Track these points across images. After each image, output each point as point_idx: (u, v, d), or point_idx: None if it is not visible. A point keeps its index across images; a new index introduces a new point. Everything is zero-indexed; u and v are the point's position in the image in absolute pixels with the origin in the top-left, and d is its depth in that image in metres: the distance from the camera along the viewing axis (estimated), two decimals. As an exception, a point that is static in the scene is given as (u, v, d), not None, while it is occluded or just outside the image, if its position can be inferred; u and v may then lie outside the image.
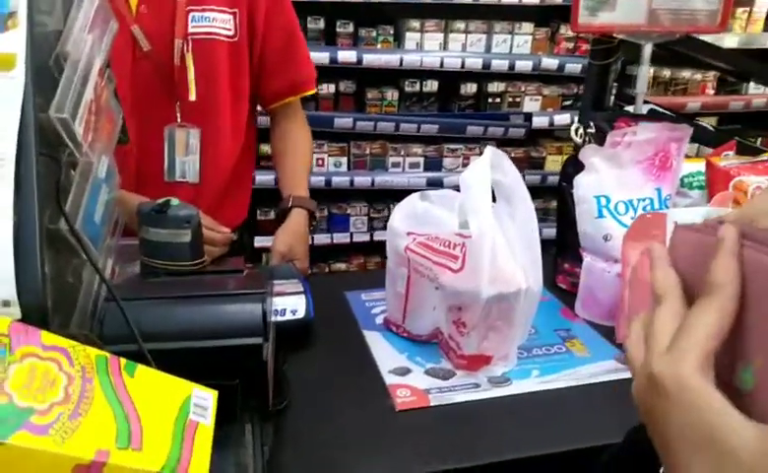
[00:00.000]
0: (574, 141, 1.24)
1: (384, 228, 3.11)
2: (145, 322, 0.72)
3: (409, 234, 1.07)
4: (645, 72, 1.34)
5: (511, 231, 1.01)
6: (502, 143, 3.10)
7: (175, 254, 1.02)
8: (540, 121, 3.09)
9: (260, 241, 3.03)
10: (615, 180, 1.17)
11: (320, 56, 2.78)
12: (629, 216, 1.15)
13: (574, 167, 1.23)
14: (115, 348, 0.64)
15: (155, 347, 0.70)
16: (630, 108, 1.42)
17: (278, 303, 1.10)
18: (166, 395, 0.63)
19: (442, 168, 3.12)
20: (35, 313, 0.62)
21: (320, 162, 3.00)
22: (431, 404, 0.95)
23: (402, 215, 1.10)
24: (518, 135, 3.08)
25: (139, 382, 0.61)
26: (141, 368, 0.63)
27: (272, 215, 3.01)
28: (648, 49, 1.35)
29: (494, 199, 1.04)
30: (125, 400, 0.59)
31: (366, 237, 3.19)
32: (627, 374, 1.02)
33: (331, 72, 2.93)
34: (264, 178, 2.90)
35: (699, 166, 1.26)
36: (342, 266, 3.23)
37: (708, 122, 3.54)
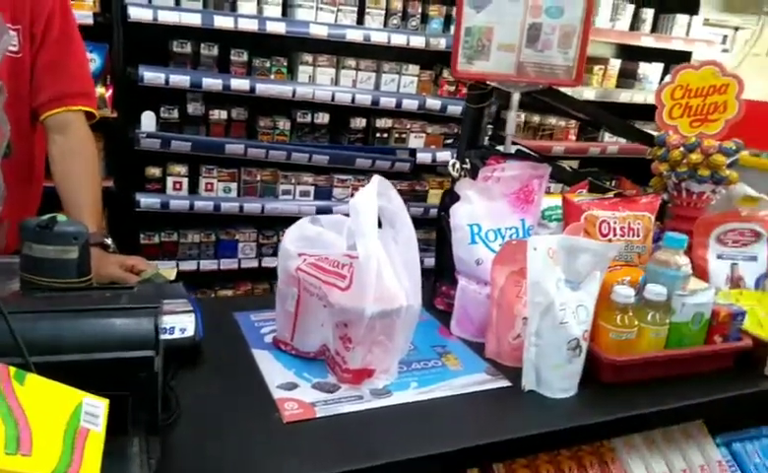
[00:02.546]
0: (451, 175, 1.36)
1: (274, 254, 3.14)
2: (34, 335, 0.73)
3: (300, 255, 1.13)
4: (513, 116, 1.51)
5: (394, 253, 1.10)
6: (388, 176, 3.17)
7: (61, 271, 1.01)
8: (423, 157, 3.28)
9: (143, 266, 2.93)
10: (486, 211, 1.30)
11: (213, 83, 2.79)
12: (498, 243, 1.29)
13: (451, 198, 1.35)
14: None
15: (43, 360, 0.71)
16: (501, 148, 1.58)
17: (167, 321, 1.11)
18: (57, 403, 0.64)
19: (332, 197, 3.21)
20: None
21: (209, 186, 2.98)
22: (317, 416, 1.00)
23: (293, 237, 1.16)
24: (403, 169, 3.25)
25: (29, 390, 0.62)
26: (31, 376, 0.64)
27: (156, 239, 2.93)
28: (516, 97, 1.52)
29: (380, 224, 1.13)
30: (14, 407, 0.60)
31: (255, 263, 3.19)
32: (495, 385, 1.15)
33: (223, 99, 2.94)
34: (149, 201, 2.83)
35: (557, 200, 1.44)
36: (228, 292, 3.20)
37: (570, 164, 3.93)
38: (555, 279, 1.10)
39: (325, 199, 3.18)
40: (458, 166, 1.35)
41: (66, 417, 0.63)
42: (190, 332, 1.12)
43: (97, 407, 0.67)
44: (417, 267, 1.12)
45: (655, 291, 1.19)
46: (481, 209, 1.30)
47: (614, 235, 1.34)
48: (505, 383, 1.16)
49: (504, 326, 1.21)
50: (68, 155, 1.47)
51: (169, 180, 2.89)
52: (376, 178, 1.08)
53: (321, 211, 3.13)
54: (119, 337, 0.79)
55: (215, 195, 3.01)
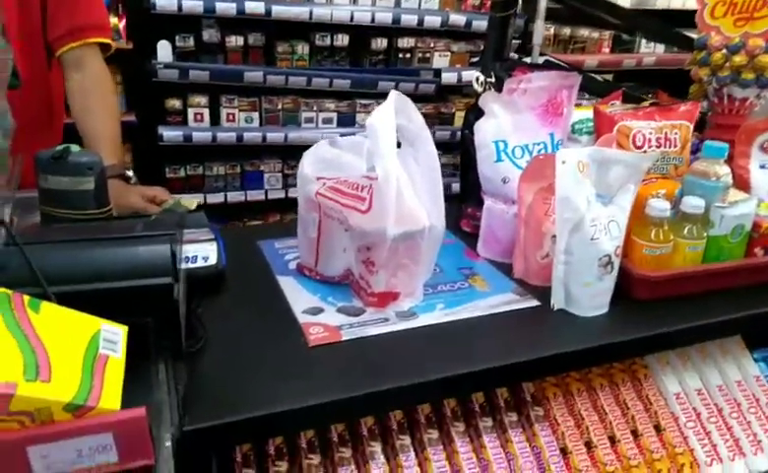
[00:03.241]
0: (475, 90, 1.29)
1: (298, 184, 3.11)
2: (50, 266, 0.72)
3: (318, 179, 1.10)
4: (540, 25, 1.42)
5: (415, 173, 1.06)
6: (413, 98, 3.13)
7: (78, 202, 1.00)
8: (448, 77, 3.17)
9: (170, 200, 2.94)
10: (512, 126, 1.24)
11: (227, 7, 2.71)
12: (525, 159, 1.23)
13: (475, 114, 1.29)
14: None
15: (61, 290, 0.70)
16: (528, 59, 1.49)
17: (189, 250, 1.10)
18: (74, 330, 0.63)
19: (355, 124, 3.14)
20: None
21: (231, 117, 2.94)
22: (343, 339, 0.99)
23: (311, 161, 1.12)
24: (428, 91, 3.15)
25: (45, 318, 0.62)
26: (46, 304, 0.63)
27: (181, 172, 2.94)
28: (543, 4, 1.42)
29: (400, 144, 1.08)
30: (30, 334, 0.59)
31: (282, 194, 3.18)
32: (524, 305, 1.12)
33: (238, 24, 2.85)
34: (171, 134, 2.82)
35: (588, 113, 1.36)
36: (257, 223, 3.21)
37: (604, 79, 3.77)
38: (586, 194, 1.05)
39: (348, 125, 3.12)
40: (482, 79, 1.28)
41: (84, 344, 0.62)
42: (213, 260, 1.11)
43: (116, 334, 0.67)
44: (440, 187, 1.08)
45: (692, 203, 1.13)
46: (507, 124, 1.24)
47: (649, 146, 1.26)
48: (534, 303, 1.13)
49: (532, 245, 1.17)
50: (85, 91, 1.45)
51: (190, 112, 2.86)
52: (393, 94, 1.02)
53: (345, 138, 3.08)
54: (136, 265, 0.78)
55: (237, 125, 2.97)
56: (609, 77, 3.91)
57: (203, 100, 2.87)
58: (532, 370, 1.04)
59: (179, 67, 2.73)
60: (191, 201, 1.33)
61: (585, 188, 1.05)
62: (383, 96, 3.33)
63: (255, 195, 3.12)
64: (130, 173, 1.38)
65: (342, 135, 3.25)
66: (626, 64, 3.72)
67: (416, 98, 3.22)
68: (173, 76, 2.73)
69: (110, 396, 0.60)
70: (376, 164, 1.00)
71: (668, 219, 1.11)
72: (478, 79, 1.29)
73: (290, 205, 3.24)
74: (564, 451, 1.06)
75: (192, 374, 0.89)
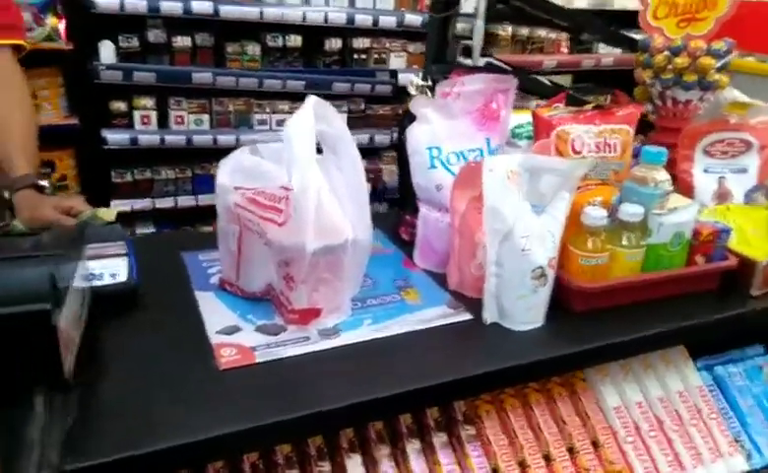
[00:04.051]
0: (409, 93, 1.24)
1: (252, 188, 3.02)
2: None
3: (236, 189, 1.03)
4: (480, 25, 1.37)
5: (338, 181, 1.00)
6: (370, 100, 3.10)
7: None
8: (405, 78, 3.10)
9: (116, 205, 2.84)
10: (447, 131, 1.18)
11: (173, 6, 2.62)
12: (460, 166, 1.18)
13: (410, 119, 1.23)
14: None
15: None
16: (469, 62, 1.45)
17: (96, 266, 1.02)
18: None
19: (310, 126, 3.06)
20: None
21: (179, 119, 2.85)
22: (257, 361, 0.93)
23: (229, 170, 1.05)
24: (385, 92, 3.09)
25: None
26: None
27: (128, 177, 2.83)
28: (482, 3, 1.38)
29: (321, 151, 1.02)
30: None
31: (234, 199, 3.08)
32: (456, 319, 1.07)
33: (186, 24, 2.76)
34: (116, 138, 2.71)
35: (528, 117, 1.32)
36: (209, 229, 3.11)
37: (563, 80, 3.76)
38: (515, 203, 1.00)
39: (303, 128, 3.03)
40: (418, 82, 1.23)
41: None
42: (122, 277, 1.03)
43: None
44: (365, 195, 1.03)
45: (629, 211, 1.09)
46: (441, 129, 1.18)
47: (588, 151, 1.22)
48: (467, 316, 1.08)
49: (466, 255, 1.12)
50: None
51: (137, 114, 2.76)
52: (311, 99, 0.96)
53: (300, 140, 3.00)
54: (7, 290, 0.70)
55: (186, 128, 2.88)
56: (568, 78, 3.91)
57: (149, 102, 2.77)
58: (463, 388, 0.99)
59: (123, 68, 2.62)
60: (110, 212, 1.25)
61: (514, 198, 1.00)
62: (339, 97, 3.27)
63: (206, 200, 3.02)
64: (45, 183, 1.29)
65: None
66: (585, 64, 3.71)
67: (373, 99, 3.18)
68: (117, 77, 2.62)
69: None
70: (292, 173, 0.93)
71: (604, 227, 1.07)
72: (412, 82, 1.24)
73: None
74: (496, 472, 1.01)
75: (87, 406, 0.81)
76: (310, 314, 1.01)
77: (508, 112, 1.24)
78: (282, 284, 1.01)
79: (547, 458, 1.04)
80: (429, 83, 1.26)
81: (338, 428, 0.95)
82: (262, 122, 2.98)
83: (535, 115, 1.25)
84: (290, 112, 3.05)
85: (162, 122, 2.85)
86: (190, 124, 2.88)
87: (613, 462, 1.06)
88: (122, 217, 2.79)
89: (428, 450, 1.01)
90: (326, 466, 0.94)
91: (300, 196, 0.93)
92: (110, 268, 1.03)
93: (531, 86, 1.42)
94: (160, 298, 1.09)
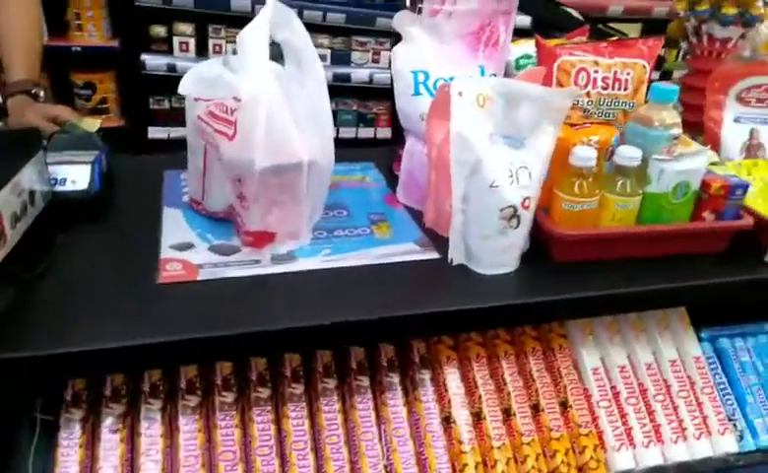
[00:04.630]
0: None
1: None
2: None
3: (197, 100, 0.99)
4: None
5: (299, 99, 0.94)
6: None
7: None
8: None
9: (154, 132, 2.89)
10: (435, 55, 1.09)
11: (212, -69, 2.56)
12: (447, 94, 1.09)
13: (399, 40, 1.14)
14: None
15: None
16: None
17: (58, 171, 1.02)
18: None
19: (351, 63, 2.98)
20: None
21: (217, 48, 2.83)
22: (198, 278, 0.90)
23: (193, 79, 1.01)
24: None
25: None
26: None
27: (166, 104, 2.86)
28: None
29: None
30: None
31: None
32: (420, 257, 1.00)
33: (226, -51, 2.71)
34: (155, 63, 2.73)
35: (530, 47, 1.19)
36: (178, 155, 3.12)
37: (630, 29, 3.47)
38: (486, 132, 0.91)
39: (343, 64, 2.96)
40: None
41: None
42: (83, 185, 1.02)
43: None
44: (328, 116, 0.96)
45: (626, 154, 0.98)
46: (430, 52, 1.09)
47: (594, 86, 1.10)
48: (434, 256, 1.00)
49: (443, 191, 1.04)
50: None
51: (176, 41, 2.76)
52: (271, 3, 0.89)
53: (338, 78, 2.93)
54: None
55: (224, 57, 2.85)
56: (637, 27, 3.61)
57: (188, 28, 2.76)
58: (415, 326, 0.93)
59: (162, -9, 2.62)
60: (93, 123, 1.24)
61: (485, 126, 0.90)
62: (383, 33, 3.15)
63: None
64: (39, 91, 1.29)
65: (335, 74, 3.07)
66: (657, 12, 3.41)
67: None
68: (157, 1, 2.62)
69: None
70: (242, 83, 0.88)
71: (593, 170, 0.96)
72: None
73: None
74: (447, 420, 0.95)
75: (20, 302, 0.81)
76: (264, 238, 0.97)
77: (508, 38, 1.12)
78: (237, 203, 0.97)
79: (507, 413, 0.98)
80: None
81: (278, 351, 0.92)
82: (301, 55, 2.91)
83: (538, 43, 1.13)
84: (330, 48, 2.99)
85: (201, 51, 2.84)
86: (228, 53, 2.84)
87: (581, 425, 0.98)
88: (159, 144, 2.84)
89: (378, 389, 0.96)
90: (265, 392, 0.91)
91: (249, 107, 0.87)
92: (72, 175, 1.02)
93: (557, 19, 1.28)
94: (128, 211, 1.08)
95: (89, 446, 0.83)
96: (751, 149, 1.19)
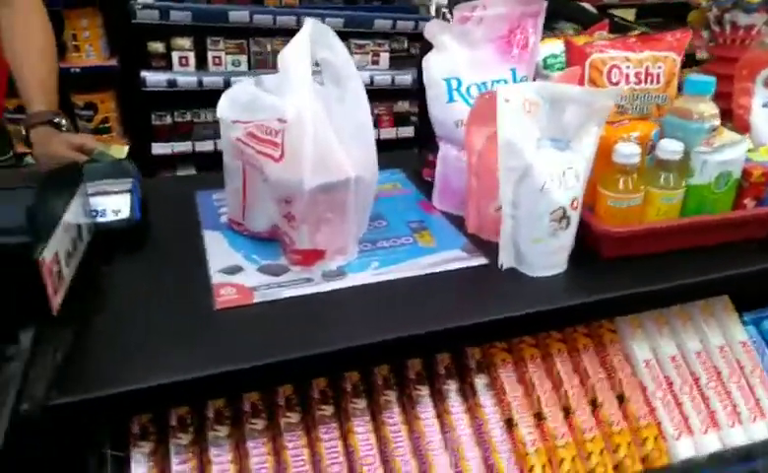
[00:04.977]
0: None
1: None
2: None
3: (234, 122, 0.98)
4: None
5: (340, 116, 0.93)
6: (413, 38, 2.97)
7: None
8: (450, 13, 2.96)
9: (157, 148, 2.87)
10: (467, 61, 1.09)
11: (208, -58, 2.54)
12: (481, 99, 1.09)
13: (427, 48, 1.14)
14: None
15: None
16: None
17: (98, 203, 1.01)
18: None
19: (350, 66, 2.97)
20: None
21: (217, 60, 2.81)
22: (255, 301, 0.89)
23: (228, 103, 1.00)
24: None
25: None
26: None
27: (168, 119, 2.84)
28: None
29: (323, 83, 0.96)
30: None
31: (274, 142, 3.06)
32: (469, 263, 1.00)
33: (222, -40, 2.69)
34: (155, 79, 2.71)
35: (559, 46, 1.20)
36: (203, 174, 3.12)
37: (625, 14, 3.49)
38: (534, 137, 0.91)
39: (343, 68, 2.95)
40: (439, 2, 1.13)
41: None
42: (125, 214, 1.02)
43: None
44: (370, 131, 0.96)
45: (668, 147, 0.98)
46: (461, 59, 1.09)
47: (627, 82, 1.10)
48: (482, 261, 1.01)
49: (485, 196, 1.04)
50: (14, 28, 1.33)
51: (175, 55, 2.74)
52: (309, 22, 0.89)
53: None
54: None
55: (224, 69, 2.84)
56: (632, 13, 3.63)
57: (187, 42, 2.75)
58: (472, 334, 0.93)
59: (159, 7, 2.59)
60: (121, 149, 1.23)
61: (532, 131, 0.91)
62: (381, 35, 3.15)
63: (247, 143, 3.01)
64: (61, 120, 1.28)
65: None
66: (649, -3, 3.43)
67: (417, 37, 3.04)
68: (154, 17, 2.60)
69: None
70: (287, 104, 0.88)
71: (636, 165, 0.97)
72: (434, 2, 1.14)
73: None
74: (510, 423, 0.96)
75: (81, 342, 0.80)
76: (314, 256, 0.97)
77: (537, 39, 1.13)
78: (284, 223, 0.96)
79: (567, 411, 0.98)
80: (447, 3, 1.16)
81: (338, 370, 0.92)
82: (301, 62, 2.90)
83: (567, 43, 1.14)
84: (330, 52, 2.97)
85: (201, 64, 2.82)
86: (228, 65, 2.84)
87: (639, 417, 0.99)
88: (163, 160, 2.82)
89: (438, 397, 0.96)
90: (329, 409, 0.91)
91: (295, 127, 0.87)
92: (113, 204, 1.02)
93: (572, 13, 1.29)
94: (168, 236, 1.08)
95: (161, 478, 0.82)
96: (782, 133, 1.20)
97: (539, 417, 0.97)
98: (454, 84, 1.09)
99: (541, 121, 0.91)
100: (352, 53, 2.91)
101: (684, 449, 0.99)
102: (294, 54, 0.88)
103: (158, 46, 2.71)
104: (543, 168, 0.91)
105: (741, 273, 1.03)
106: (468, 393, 0.98)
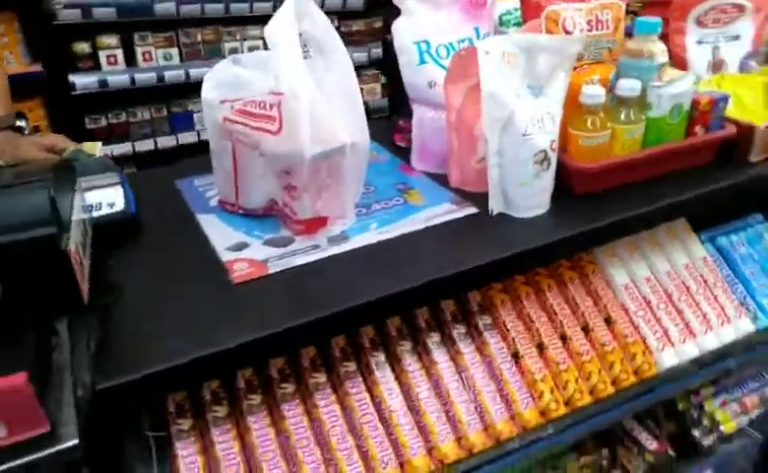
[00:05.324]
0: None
1: (231, 121, 2.95)
2: None
3: (223, 102, 0.99)
4: None
5: (329, 84, 0.96)
6: (340, 16, 2.97)
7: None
8: (378, -11, 2.99)
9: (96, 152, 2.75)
10: (433, 23, 1.14)
11: (126, -67, 2.46)
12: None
13: (395, 15, 1.18)
14: None
15: None
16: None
17: (92, 197, 1.00)
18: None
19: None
20: None
21: (147, 56, 2.73)
22: (270, 272, 0.92)
23: (213, 84, 1.01)
24: (357, 6, 2.97)
25: None
26: None
27: (103, 122, 2.74)
28: None
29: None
30: None
31: (214, 134, 3.01)
32: (461, 213, 1.06)
33: (142, -49, 2.61)
34: (84, 81, 2.60)
35: (515, 2, 1.27)
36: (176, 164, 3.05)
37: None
38: (514, 87, 0.98)
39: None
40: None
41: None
42: (120, 206, 1.01)
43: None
44: (358, 97, 1.00)
45: (627, 85, 1.07)
46: (428, 22, 1.14)
47: (581, 30, 1.19)
48: (472, 210, 1.07)
49: (466, 151, 1.10)
50: None
51: (102, 55, 2.64)
52: (291, -3, 0.91)
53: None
54: (8, 220, 0.67)
55: (155, 64, 2.76)
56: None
57: (113, 40, 2.65)
58: (475, 278, 0.99)
59: (81, 4, 2.48)
60: (94, 145, 1.21)
61: (513, 81, 0.97)
62: (329, 14, 3.07)
63: (187, 137, 2.95)
64: (22, 124, 1.23)
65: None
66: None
67: (345, 15, 3.06)
68: (76, 16, 2.49)
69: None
70: (281, 77, 0.90)
71: (603, 105, 1.05)
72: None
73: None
74: (516, 356, 1.03)
75: (108, 329, 0.81)
76: (317, 223, 1.00)
77: (495, -2, 1.19)
78: (284, 195, 0.99)
79: (564, 338, 1.06)
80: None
81: (359, 325, 0.96)
82: (233, 51, 2.86)
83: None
84: (262, 37, 2.94)
85: (130, 61, 2.73)
86: (159, 60, 2.76)
87: (627, 336, 1.09)
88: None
89: (449, 342, 1.02)
90: (352, 365, 0.95)
91: (292, 100, 0.89)
92: (107, 198, 1.01)
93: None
94: (163, 225, 1.08)
95: (205, 451, 0.84)
96: (715, 66, 1.33)
97: (540, 347, 1.05)
98: (423, 46, 1.14)
99: (518, 70, 0.98)
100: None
101: (668, 359, 1.09)
102: (282, 28, 0.90)
103: (83, 46, 2.60)
104: (523, 114, 0.98)
105: (696, 195, 1.14)
106: (474, 334, 1.04)
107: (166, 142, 2.92)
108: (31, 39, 2.55)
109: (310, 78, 0.92)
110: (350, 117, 0.98)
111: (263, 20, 2.86)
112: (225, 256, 0.96)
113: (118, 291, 0.88)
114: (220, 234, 1.03)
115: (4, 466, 0.54)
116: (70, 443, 0.57)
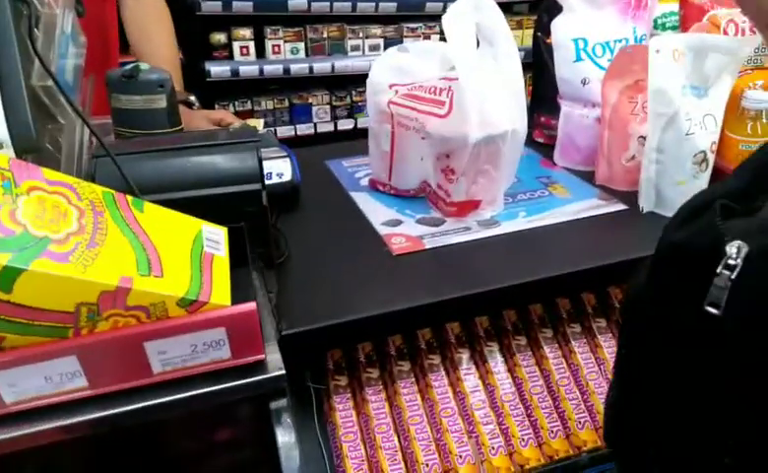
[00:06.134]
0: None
1: (348, 116, 3.07)
2: (144, 174, 0.71)
3: (391, 86, 1.06)
4: None
5: (495, 73, 1.01)
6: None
7: (152, 121, 0.99)
8: (500, -7, 3.02)
9: (221, 137, 2.94)
10: (592, 22, 1.16)
11: (268, -67, 2.62)
12: (606, 58, 1.16)
13: (548, 14, 1.21)
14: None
15: (155, 198, 0.69)
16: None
17: (265, 167, 1.08)
18: (177, 230, 0.62)
19: (403, 50, 3.04)
20: (30, 153, 0.60)
21: (276, 48, 2.89)
22: (426, 247, 0.97)
23: (382, 68, 1.08)
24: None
25: (149, 217, 0.61)
26: (149, 204, 0.62)
27: (230, 108, 2.92)
28: None
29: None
30: (139, 232, 0.58)
31: (330, 127, 3.14)
32: (610, 209, 1.07)
33: (281, -50, 2.77)
34: (218, 70, 2.79)
35: (672, 6, 1.26)
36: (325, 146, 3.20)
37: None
38: (680, 85, 0.98)
39: (396, 52, 3.02)
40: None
41: (189, 242, 0.61)
42: (288, 176, 1.09)
43: (218, 233, 0.66)
44: (521, 88, 1.03)
45: (794, 93, 1.05)
46: (587, 20, 1.16)
47: (744, 35, 1.16)
48: (620, 207, 1.08)
49: (617, 148, 1.11)
50: (142, 18, 1.42)
51: (236, 46, 2.82)
52: (470, -12, 0.96)
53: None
54: (225, 172, 0.76)
55: (283, 57, 2.92)
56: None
57: (247, 32, 2.82)
58: (619, 273, 1.00)
59: (222, -1, 2.67)
60: (258, 122, 1.31)
61: (680, 79, 0.97)
62: (431, 18, 3.19)
63: (305, 129, 3.09)
64: (193, 98, 1.36)
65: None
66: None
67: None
68: (217, 8, 2.68)
69: (220, 292, 0.59)
70: (455, 62, 0.95)
71: (765, 111, 1.03)
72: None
73: (339, 138, 3.20)
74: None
75: (282, 283, 0.88)
76: (468, 206, 1.04)
77: (655, 0, 1.19)
78: (440, 177, 1.04)
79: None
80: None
81: (502, 307, 0.99)
82: (355, 48, 2.98)
83: (683, 1, 1.20)
84: (383, 37, 3.05)
85: (260, 52, 2.90)
86: (286, 53, 2.92)
87: None
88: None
89: (589, 335, 1.03)
90: (495, 345, 0.98)
91: (464, 85, 0.94)
92: (276, 168, 1.09)
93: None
94: (320, 198, 1.15)
95: (359, 408, 0.90)
96: None
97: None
98: (581, 44, 1.16)
99: (685, 70, 0.98)
100: (404, 36, 3.02)
101: None
102: (457, 16, 0.95)
103: (220, 37, 2.79)
104: (687, 113, 0.98)
105: None
106: (614, 331, 1.04)
107: (285, 132, 3.07)
108: (176, 28, 2.76)
109: (480, 65, 0.97)
110: (512, 106, 1.02)
111: (385, 20, 2.98)
112: (383, 230, 1.02)
113: (289, 250, 0.96)
114: (374, 210, 1.09)
115: (231, 384, 0.61)
116: (278, 372, 0.63)
